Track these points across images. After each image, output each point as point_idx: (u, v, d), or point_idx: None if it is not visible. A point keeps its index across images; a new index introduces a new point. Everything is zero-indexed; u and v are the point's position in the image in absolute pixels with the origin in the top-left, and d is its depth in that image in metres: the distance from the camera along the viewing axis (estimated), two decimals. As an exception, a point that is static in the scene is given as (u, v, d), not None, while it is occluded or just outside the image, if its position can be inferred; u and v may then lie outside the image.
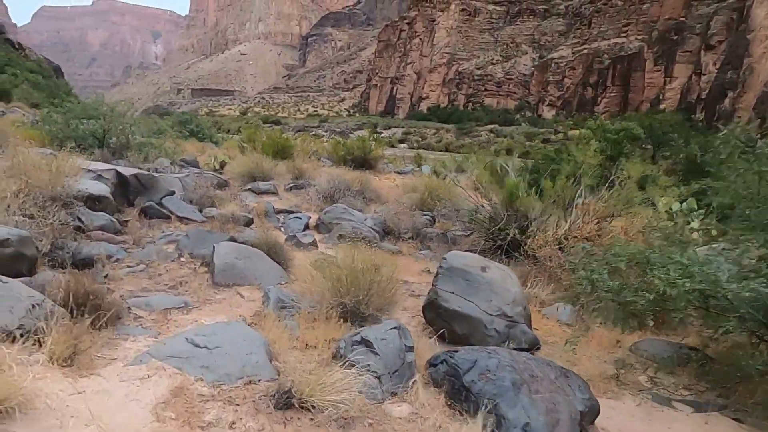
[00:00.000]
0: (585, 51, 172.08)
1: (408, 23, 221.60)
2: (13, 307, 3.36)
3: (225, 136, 50.51)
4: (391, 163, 28.13)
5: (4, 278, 3.62)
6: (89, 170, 7.41)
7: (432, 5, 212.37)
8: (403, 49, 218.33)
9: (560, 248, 7.40)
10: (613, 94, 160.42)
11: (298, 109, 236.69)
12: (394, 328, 4.00)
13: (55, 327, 3.34)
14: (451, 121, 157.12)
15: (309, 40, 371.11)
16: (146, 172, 8.09)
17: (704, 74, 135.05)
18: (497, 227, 7.77)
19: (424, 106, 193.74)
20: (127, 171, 7.85)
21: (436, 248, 9.07)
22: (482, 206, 8.72)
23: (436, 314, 4.94)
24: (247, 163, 14.33)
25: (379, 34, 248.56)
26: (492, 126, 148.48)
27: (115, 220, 6.77)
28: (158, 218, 7.54)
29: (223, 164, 17.23)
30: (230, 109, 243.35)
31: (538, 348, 4.99)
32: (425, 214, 10.68)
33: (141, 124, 14.79)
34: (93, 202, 6.74)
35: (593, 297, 4.67)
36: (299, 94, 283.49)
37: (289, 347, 4.15)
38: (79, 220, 6.29)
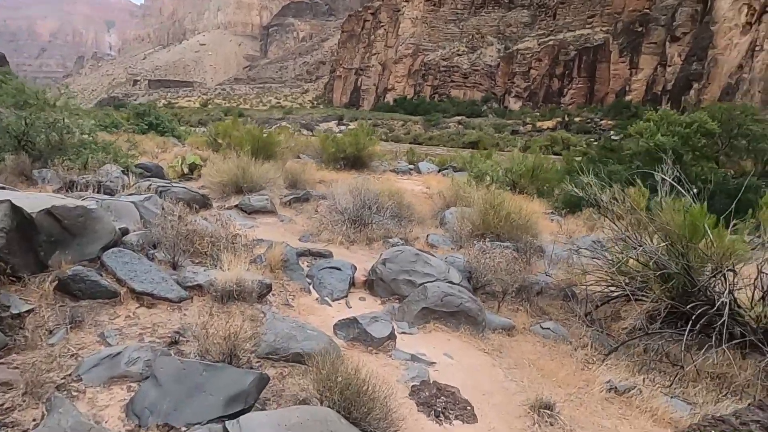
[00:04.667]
0: (551, 42, 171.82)
1: (372, 13, 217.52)
2: None
3: (188, 129, 46.16)
4: (383, 160, 24.53)
5: None
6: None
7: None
8: (367, 40, 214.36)
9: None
10: (579, 86, 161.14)
11: (261, 101, 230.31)
12: None
13: None
14: (418, 113, 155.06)
15: (270, 30, 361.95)
16: (71, 204, 4.27)
17: (669, 66, 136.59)
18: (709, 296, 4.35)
19: (389, 98, 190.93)
20: (35, 203, 4.05)
21: (559, 315, 5.63)
22: (640, 246, 5.31)
23: None
24: (230, 169, 10.61)
25: (342, 24, 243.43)
26: (459, 117, 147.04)
27: (-8, 323, 3.05)
28: (93, 298, 3.83)
29: (193, 167, 13.45)
30: (190, 100, 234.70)
31: None
32: (503, 245, 7.21)
33: (84, 114, 10.90)
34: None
35: None
36: (261, 85, 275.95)
37: None
38: None
